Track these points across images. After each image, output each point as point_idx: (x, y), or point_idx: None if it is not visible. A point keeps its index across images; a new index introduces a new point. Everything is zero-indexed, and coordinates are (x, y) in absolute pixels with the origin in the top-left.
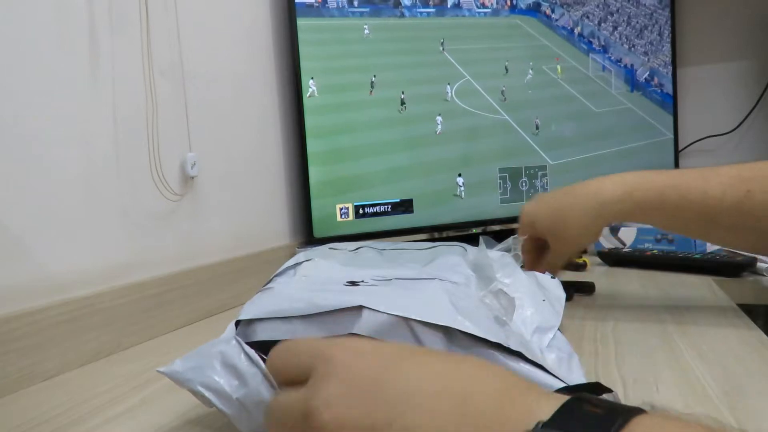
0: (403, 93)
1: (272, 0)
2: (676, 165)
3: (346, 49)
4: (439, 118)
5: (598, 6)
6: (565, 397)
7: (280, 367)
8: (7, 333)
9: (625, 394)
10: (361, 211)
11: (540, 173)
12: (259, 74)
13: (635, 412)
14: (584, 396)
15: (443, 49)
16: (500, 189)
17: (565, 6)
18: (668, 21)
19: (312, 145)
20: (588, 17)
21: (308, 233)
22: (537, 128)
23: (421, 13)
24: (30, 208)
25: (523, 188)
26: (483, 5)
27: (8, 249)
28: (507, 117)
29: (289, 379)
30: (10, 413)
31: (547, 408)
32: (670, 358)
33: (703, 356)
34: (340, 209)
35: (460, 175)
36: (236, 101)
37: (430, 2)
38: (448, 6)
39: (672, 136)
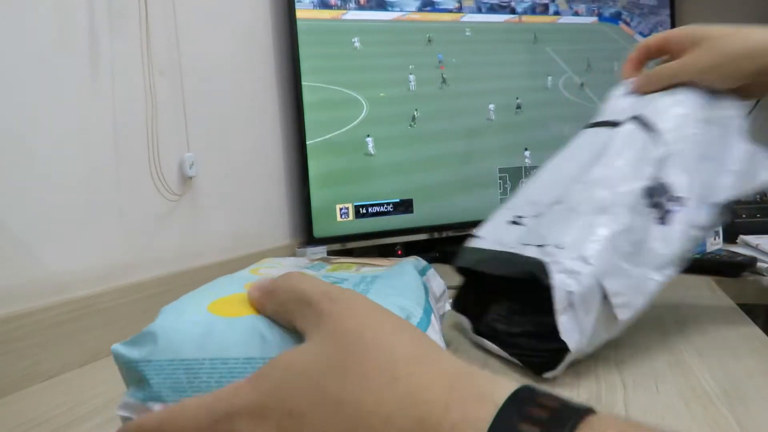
0: (518, 98)
1: (272, 0)
2: None
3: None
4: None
5: (669, 16)
6: (499, 400)
7: None
8: (7, 333)
9: (625, 394)
10: (361, 211)
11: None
12: (259, 73)
13: (582, 413)
14: (525, 394)
15: (547, 49)
16: (500, 189)
17: (641, 15)
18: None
19: (312, 145)
20: (661, 26)
21: (308, 233)
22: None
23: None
24: (30, 208)
25: None
26: (576, 13)
27: (8, 249)
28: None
29: None
30: (10, 413)
31: (479, 420)
32: (670, 358)
33: (703, 356)
34: (340, 209)
35: (526, 149)
36: (235, 101)
37: (537, 9)
38: (550, 12)
39: None
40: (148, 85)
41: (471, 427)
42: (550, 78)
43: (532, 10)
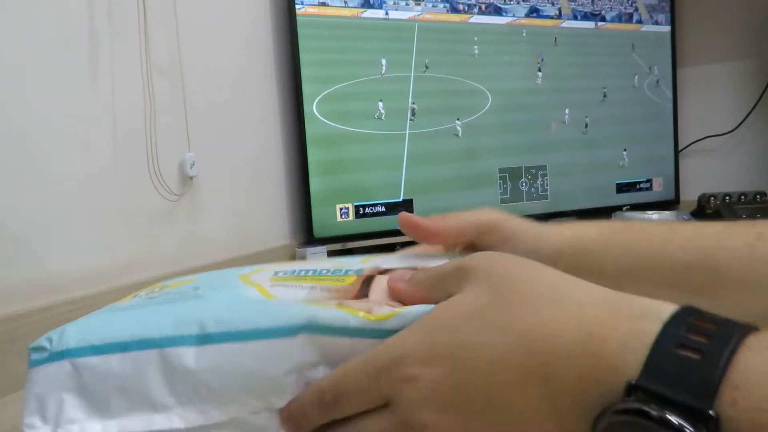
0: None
1: (272, 0)
2: (676, 165)
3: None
4: (457, 122)
5: (669, 16)
6: (663, 315)
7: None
8: (8, 333)
9: None
10: (361, 211)
11: (540, 173)
12: (259, 73)
13: (747, 328)
14: (689, 310)
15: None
16: (500, 189)
17: None
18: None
19: (312, 145)
20: None
21: (308, 233)
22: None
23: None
24: (30, 208)
25: (523, 188)
26: (657, 22)
27: (9, 249)
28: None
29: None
30: (10, 413)
31: (634, 357)
32: None
33: None
34: (340, 209)
35: (625, 149)
36: (236, 101)
37: (623, 17)
38: (633, 21)
39: (671, 136)
40: (147, 85)
41: (637, 339)
42: (636, 77)
43: (619, 19)
